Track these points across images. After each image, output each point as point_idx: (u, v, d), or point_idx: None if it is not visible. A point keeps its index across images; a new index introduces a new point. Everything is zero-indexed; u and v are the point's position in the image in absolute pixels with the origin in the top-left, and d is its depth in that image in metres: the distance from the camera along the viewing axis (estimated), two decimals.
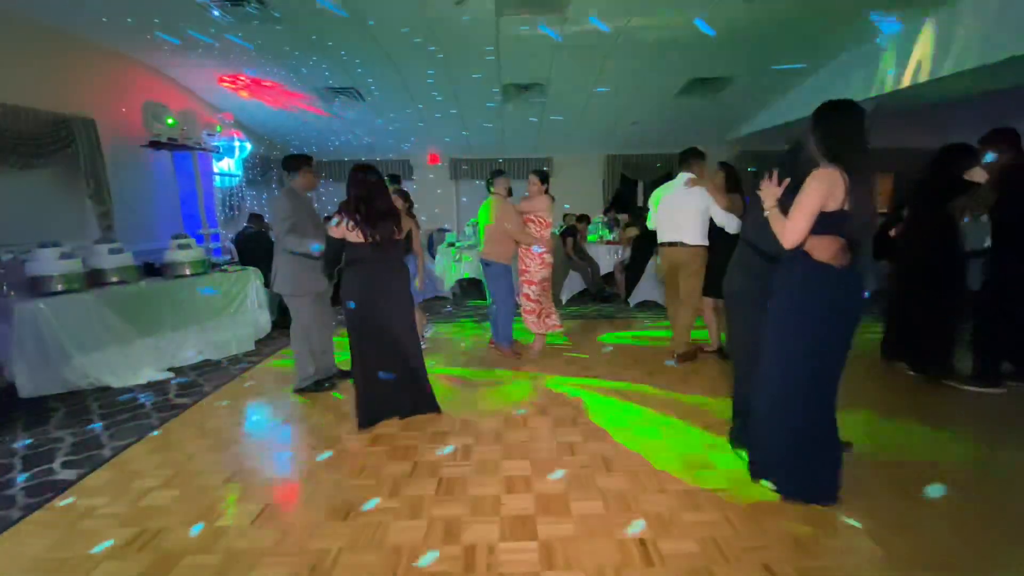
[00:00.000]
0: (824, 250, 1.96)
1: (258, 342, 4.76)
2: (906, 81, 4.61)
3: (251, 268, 4.87)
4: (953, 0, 4.06)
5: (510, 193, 4.16)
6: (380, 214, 2.82)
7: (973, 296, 3.39)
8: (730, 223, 3.59)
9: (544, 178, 4.04)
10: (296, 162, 3.38)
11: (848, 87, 5.40)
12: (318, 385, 3.54)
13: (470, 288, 7.32)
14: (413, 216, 4.14)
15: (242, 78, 5.79)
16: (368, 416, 2.93)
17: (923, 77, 4.46)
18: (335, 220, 2.82)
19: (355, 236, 2.78)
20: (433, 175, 9.35)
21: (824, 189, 1.91)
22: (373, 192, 2.82)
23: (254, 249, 5.44)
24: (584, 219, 7.01)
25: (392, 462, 2.55)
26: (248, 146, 6.64)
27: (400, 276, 2.97)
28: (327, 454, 2.66)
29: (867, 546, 1.86)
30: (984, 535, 1.91)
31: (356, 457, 2.61)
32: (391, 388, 2.94)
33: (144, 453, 2.75)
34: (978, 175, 3.29)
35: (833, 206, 1.92)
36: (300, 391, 3.49)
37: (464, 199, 9.57)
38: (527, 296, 4.05)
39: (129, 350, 3.86)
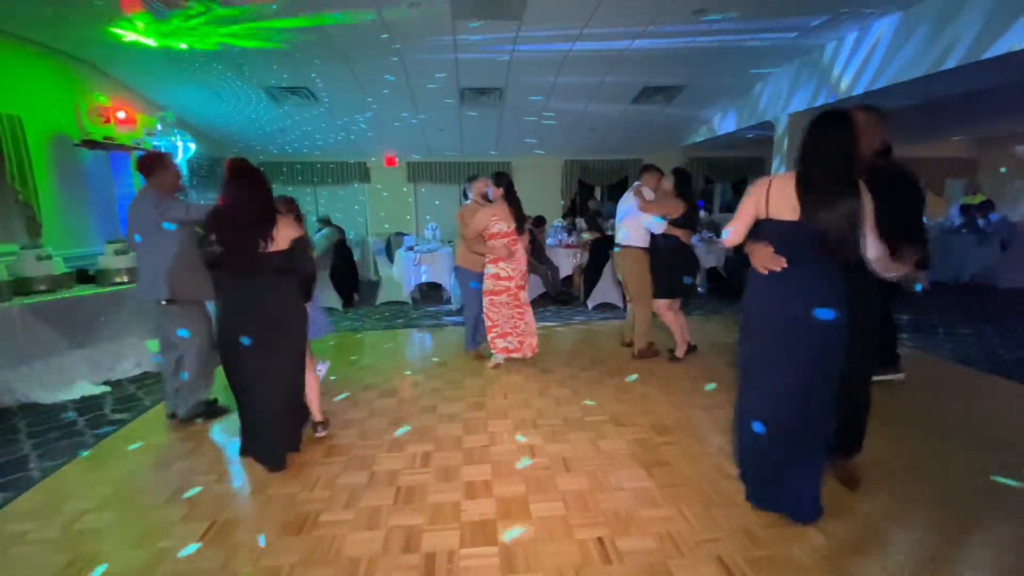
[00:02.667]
0: (752, 256, 2.00)
1: None
2: (851, 90, 4.89)
3: None
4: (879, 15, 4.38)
5: (485, 197, 4.01)
6: (241, 225, 2.34)
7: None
8: (654, 227, 3.85)
9: (499, 183, 3.82)
10: (149, 162, 2.94)
11: (796, 96, 5.71)
12: (212, 407, 3.21)
13: (430, 292, 7.26)
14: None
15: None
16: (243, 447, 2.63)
17: (865, 88, 4.74)
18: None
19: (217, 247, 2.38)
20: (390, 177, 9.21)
21: (750, 197, 2.01)
22: (238, 199, 2.38)
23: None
24: (540, 222, 7.09)
25: (348, 472, 2.48)
26: (192, 146, 6.33)
27: (274, 298, 2.44)
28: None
29: (811, 534, 1.96)
30: (918, 520, 2.05)
31: (310, 469, 2.53)
32: (250, 427, 2.56)
33: (78, 473, 2.57)
34: None
35: (763, 214, 1.97)
36: (193, 417, 3.10)
37: (422, 202, 9.48)
38: (485, 311, 3.93)
39: (60, 363, 3.59)
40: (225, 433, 3.02)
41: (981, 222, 7.33)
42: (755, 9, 4.24)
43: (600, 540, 1.95)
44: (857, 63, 4.75)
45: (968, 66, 3.75)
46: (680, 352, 4.09)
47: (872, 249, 1.87)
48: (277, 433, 2.53)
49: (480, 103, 6.72)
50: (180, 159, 6.41)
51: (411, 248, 6.85)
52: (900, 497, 2.19)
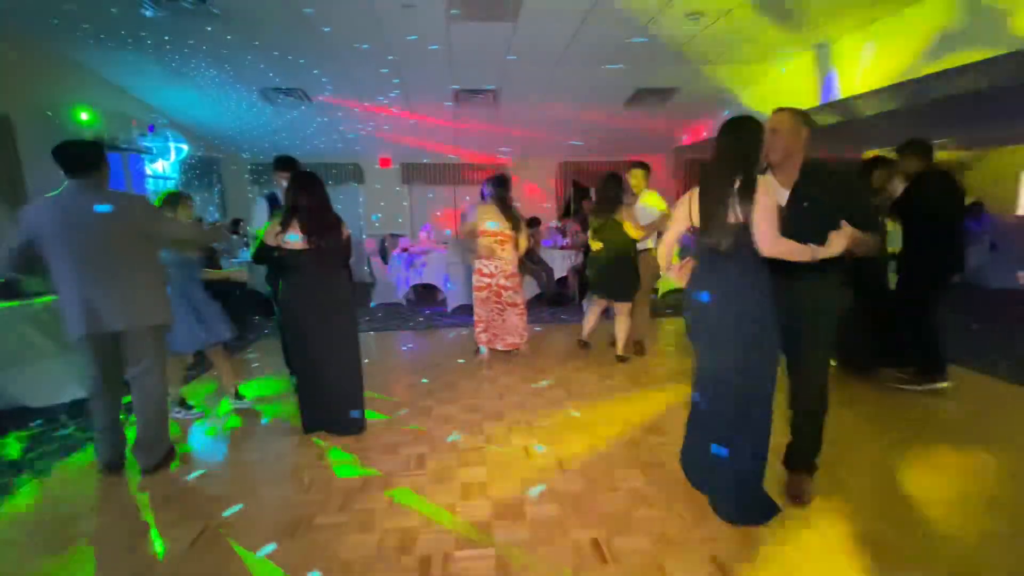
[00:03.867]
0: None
1: (198, 354, 4.49)
2: (838, 94, 4.93)
3: None
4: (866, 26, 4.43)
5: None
6: (328, 223, 2.80)
7: (893, 295, 3.66)
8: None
9: (494, 183, 3.95)
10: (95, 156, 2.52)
11: (788, 97, 5.75)
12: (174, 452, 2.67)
13: (425, 294, 7.24)
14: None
15: None
16: (310, 423, 2.89)
17: (851, 92, 4.78)
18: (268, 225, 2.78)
19: (299, 244, 2.71)
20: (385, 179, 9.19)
21: (682, 204, 2.08)
22: (322, 201, 2.80)
23: None
24: (535, 223, 7.09)
25: (342, 476, 2.47)
26: (185, 147, 6.30)
27: (345, 285, 2.93)
28: (271, 470, 2.55)
29: (805, 534, 1.97)
30: (909, 519, 2.07)
31: (303, 472, 2.52)
32: (328, 400, 2.86)
33: (68, 477, 2.54)
34: (896, 185, 3.60)
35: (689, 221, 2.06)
36: (161, 465, 2.56)
37: (417, 204, 9.46)
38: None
39: (50, 366, 3.54)
40: (215, 437, 3.00)
41: (973, 224, 7.40)
42: (749, 11, 4.26)
43: (595, 541, 1.95)
44: (849, 65, 4.80)
45: (962, 68, 3.79)
46: (619, 350, 4.13)
47: (765, 246, 1.81)
48: (359, 400, 2.92)
49: (475, 104, 6.72)
50: (173, 160, 6.39)
51: (406, 249, 6.83)
52: (895, 497, 2.21)
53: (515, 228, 3.95)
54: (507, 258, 3.97)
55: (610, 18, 4.35)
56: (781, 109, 2.07)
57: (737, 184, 1.83)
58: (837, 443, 2.65)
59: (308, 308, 2.74)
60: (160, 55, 5.01)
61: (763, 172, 2.07)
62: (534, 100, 6.59)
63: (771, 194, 1.85)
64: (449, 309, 6.35)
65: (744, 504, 2.01)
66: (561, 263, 6.79)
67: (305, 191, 2.74)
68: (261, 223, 3.29)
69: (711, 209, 1.91)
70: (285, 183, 3.15)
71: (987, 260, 7.22)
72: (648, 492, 2.27)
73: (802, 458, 2.21)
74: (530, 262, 6.58)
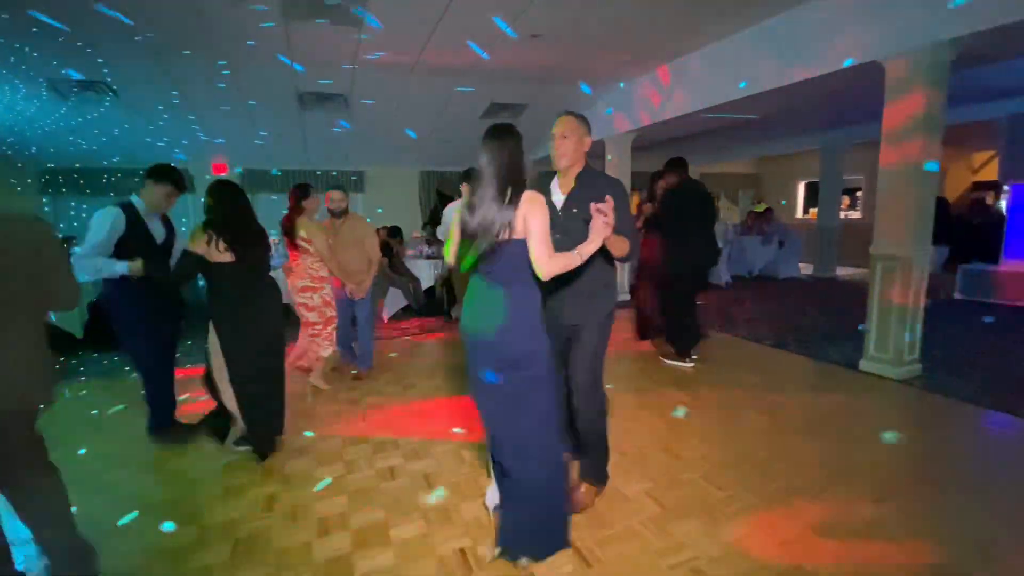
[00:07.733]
0: None
1: None
2: (666, 115, 5.65)
3: None
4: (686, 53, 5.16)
5: (333, 213, 3.94)
6: (254, 234, 2.72)
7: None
8: None
9: (298, 194, 3.70)
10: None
11: (619, 119, 6.42)
12: None
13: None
14: None
15: None
16: (267, 444, 2.78)
17: (676, 113, 5.51)
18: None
19: (225, 256, 2.57)
20: None
21: None
22: (246, 212, 2.70)
23: None
24: (396, 233, 6.94)
25: (167, 532, 2.12)
26: None
27: (276, 294, 2.85)
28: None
29: (648, 505, 2.20)
30: (731, 479, 2.41)
31: (118, 535, 2.11)
32: (269, 412, 2.82)
33: None
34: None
35: None
36: None
37: (264, 215, 8.63)
38: None
39: None
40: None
41: (771, 231, 9.00)
42: (588, 33, 4.66)
43: (462, 551, 1.94)
44: (672, 91, 5.52)
45: (759, 94, 4.59)
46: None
47: (543, 269, 1.67)
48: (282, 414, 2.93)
49: (324, 109, 6.35)
50: None
51: None
52: (716, 462, 2.56)
53: (289, 237, 3.73)
54: (297, 271, 3.75)
55: (455, 35, 4.44)
56: (568, 113, 2.00)
57: (507, 197, 1.67)
58: (677, 426, 3.01)
59: (241, 324, 2.65)
60: None
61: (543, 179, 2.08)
62: (388, 109, 6.44)
63: (544, 213, 1.68)
64: None
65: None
66: (428, 272, 6.70)
67: (225, 201, 2.63)
68: (98, 237, 2.68)
69: (481, 225, 1.71)
70: (168, 198, 2.83)
71: (776, 256, 8.84)
72: None
73: (591, 469, 2.21)
74: (395, 273, 6.39)
